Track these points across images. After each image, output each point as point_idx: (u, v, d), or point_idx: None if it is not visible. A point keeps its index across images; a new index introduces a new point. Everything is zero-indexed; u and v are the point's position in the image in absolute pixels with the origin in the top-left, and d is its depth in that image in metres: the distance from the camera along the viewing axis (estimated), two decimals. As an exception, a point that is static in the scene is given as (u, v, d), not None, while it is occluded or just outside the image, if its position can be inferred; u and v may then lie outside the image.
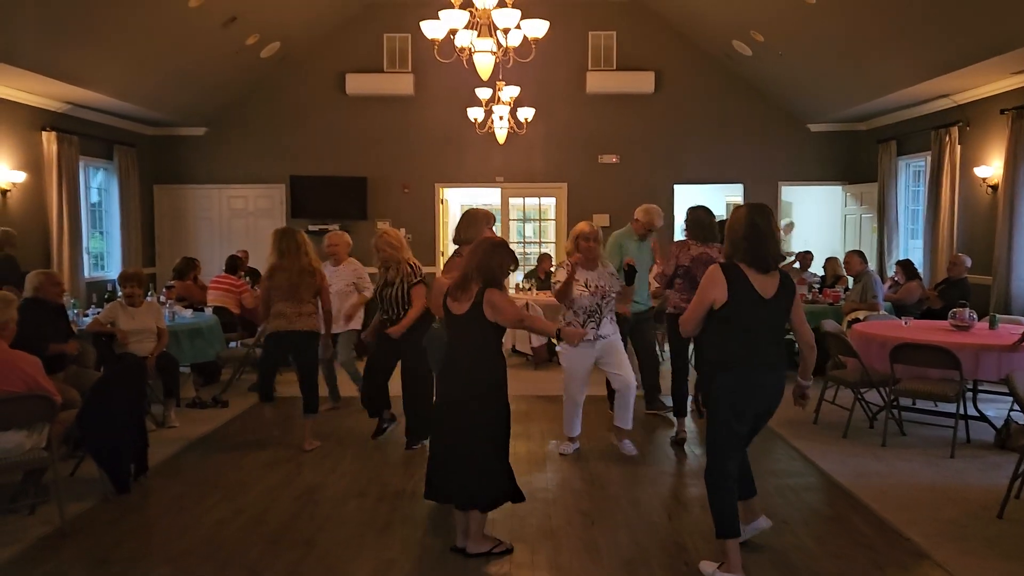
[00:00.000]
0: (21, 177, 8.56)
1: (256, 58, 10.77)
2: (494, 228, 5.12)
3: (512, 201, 12.26)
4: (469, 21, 5.08)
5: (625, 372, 5.39)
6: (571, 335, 4.15)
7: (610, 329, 5.41)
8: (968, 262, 8.11)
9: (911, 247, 10.59)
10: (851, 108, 10.63)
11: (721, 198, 14.36)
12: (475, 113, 9.18)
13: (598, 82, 11.59)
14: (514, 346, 8.96)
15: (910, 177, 10.78)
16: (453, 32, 5.05)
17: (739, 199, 12.25)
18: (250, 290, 8.52)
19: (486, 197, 13.47)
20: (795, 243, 12.12)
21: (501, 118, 9.07)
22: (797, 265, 9.67)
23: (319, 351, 5.83)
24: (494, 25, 4.95)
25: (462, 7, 5.02)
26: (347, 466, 5.29)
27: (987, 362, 5.49)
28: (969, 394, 6.01)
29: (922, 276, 9.33)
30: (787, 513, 4.38)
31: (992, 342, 5.63)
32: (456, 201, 15.73)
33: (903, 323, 6.57)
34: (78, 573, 3.62)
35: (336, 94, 11.66)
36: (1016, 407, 5.24)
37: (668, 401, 6.18)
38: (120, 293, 6.61)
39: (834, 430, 6.04)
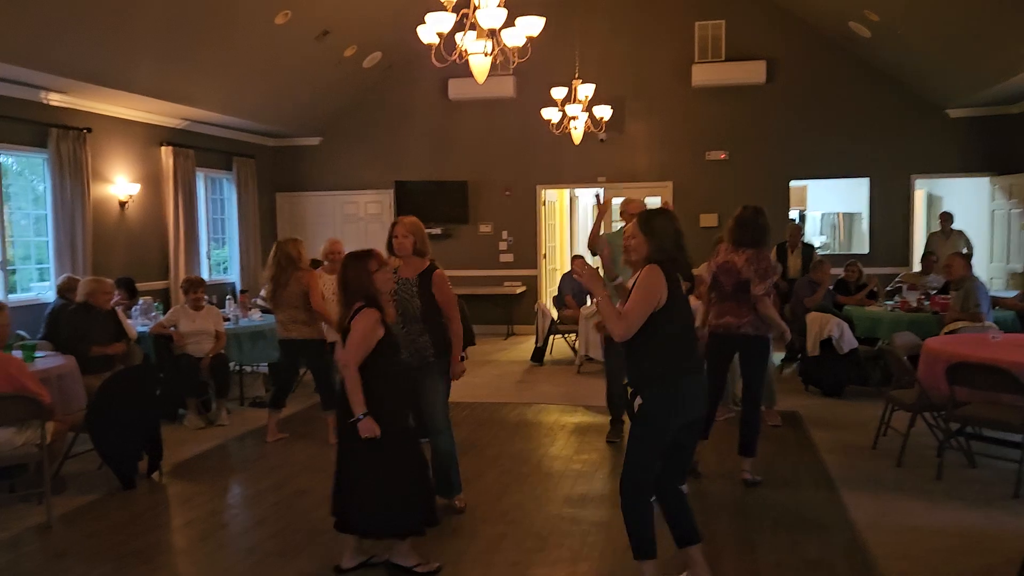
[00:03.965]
0: (136, 189, 9.38)
1: (359, 68, 11.16)
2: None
3: (615, 201, 11.86)
4: (465, 24, 4.96)
5: None
6: (456, 372, 3.71)
7: None
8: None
9: (1065, 247, 9.20)
10: (992, 88, 9.34)
11: (862, 193, 13.11)
12: (549, 113, 8.97)
13: (705, 74, 10.98)
14: (587, 354, 8.67)
15: (1067, 166, 9.36)
16: (442, 35, 4.93)
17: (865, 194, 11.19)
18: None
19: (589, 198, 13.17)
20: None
21: (575, 118, 8.80)
22: None
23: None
24: (480, 26, 4.80)
25: (455, 9, 4.91)
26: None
27: (1070, 387, 4.62)
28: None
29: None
30: (762, 553, 3.90)
31: (1080, 363, 4.73)
32: (587, 200, 15.47)
33: (990, 337, 5.68)
34: (29, 564, 3.89)
35: (439, 99, 11.84)
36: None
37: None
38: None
39: (893, 458, 5.32)
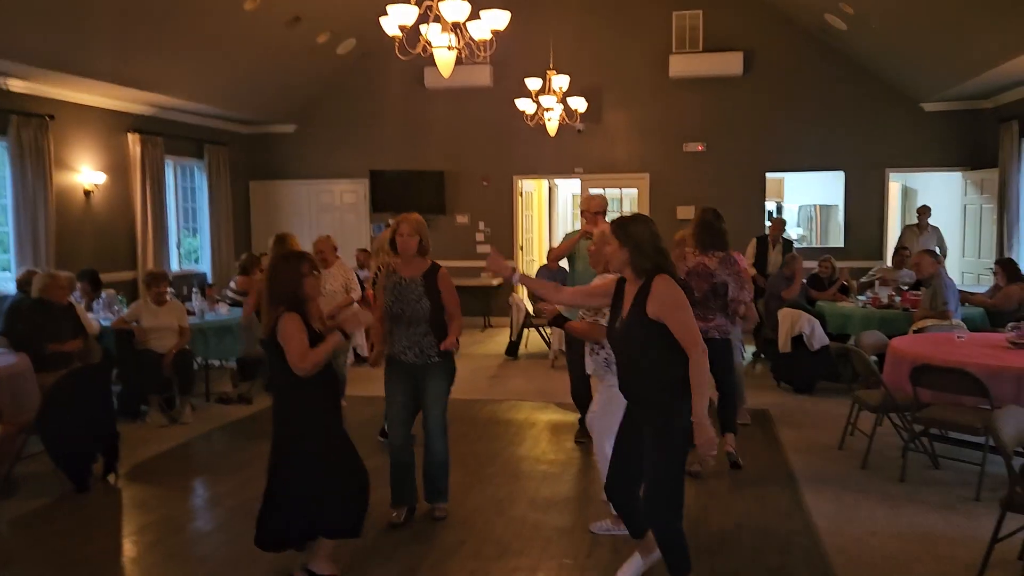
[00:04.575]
0: (102, 178, 9.18)
1: (333, 55, 10.98)
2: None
3: (592, 192, 11.83)
4: (429, 16, 4.84)
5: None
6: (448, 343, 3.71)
7: (591, 365, 4.24)
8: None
9: (1037, 243, 9.22)
10: (965, 83, 9.32)
11: (838, 186, 13.04)
12: (524, 104, 8.87)
13: (682, 65, 10.88)
14: (561, 347, 8.61)
15: (1040, 161, 9.36)
16: (406, 28, 4.81)
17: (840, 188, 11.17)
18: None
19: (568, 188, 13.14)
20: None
21: (550, 109, 8.70)
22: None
23: None
24: (444, 19, 4.68)
25: (417, 3, 4.79)
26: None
27: (1033, 390, 4.62)
28: None
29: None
30: (722, 560, 3.86)
31: (1043, 366, 4.73)
32: (567, 191, 15.40)
33: (955, 337, 5.67)
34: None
35: (416, 87, 11.67)
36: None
37: None
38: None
39: (858, 458, 5.31)
